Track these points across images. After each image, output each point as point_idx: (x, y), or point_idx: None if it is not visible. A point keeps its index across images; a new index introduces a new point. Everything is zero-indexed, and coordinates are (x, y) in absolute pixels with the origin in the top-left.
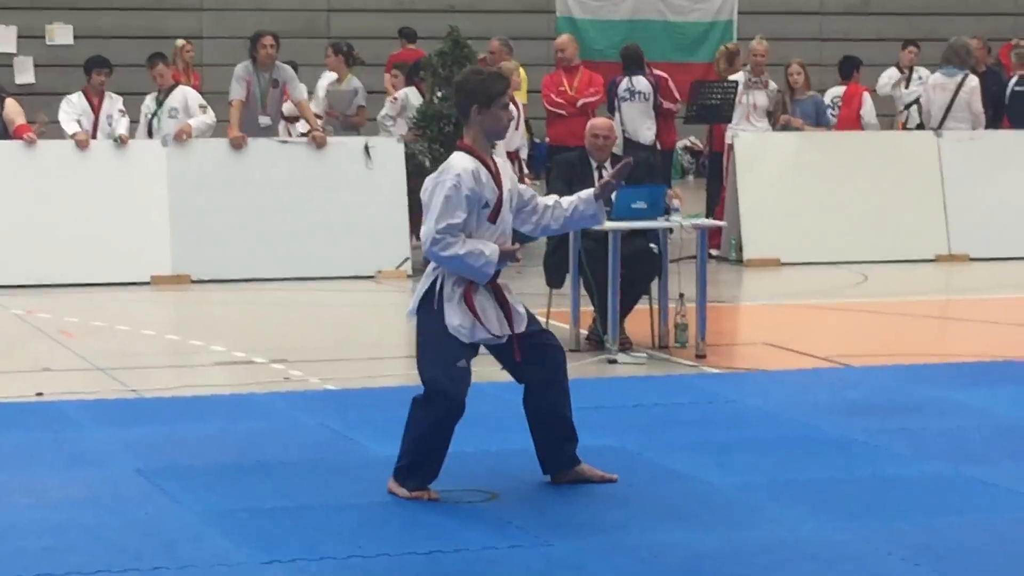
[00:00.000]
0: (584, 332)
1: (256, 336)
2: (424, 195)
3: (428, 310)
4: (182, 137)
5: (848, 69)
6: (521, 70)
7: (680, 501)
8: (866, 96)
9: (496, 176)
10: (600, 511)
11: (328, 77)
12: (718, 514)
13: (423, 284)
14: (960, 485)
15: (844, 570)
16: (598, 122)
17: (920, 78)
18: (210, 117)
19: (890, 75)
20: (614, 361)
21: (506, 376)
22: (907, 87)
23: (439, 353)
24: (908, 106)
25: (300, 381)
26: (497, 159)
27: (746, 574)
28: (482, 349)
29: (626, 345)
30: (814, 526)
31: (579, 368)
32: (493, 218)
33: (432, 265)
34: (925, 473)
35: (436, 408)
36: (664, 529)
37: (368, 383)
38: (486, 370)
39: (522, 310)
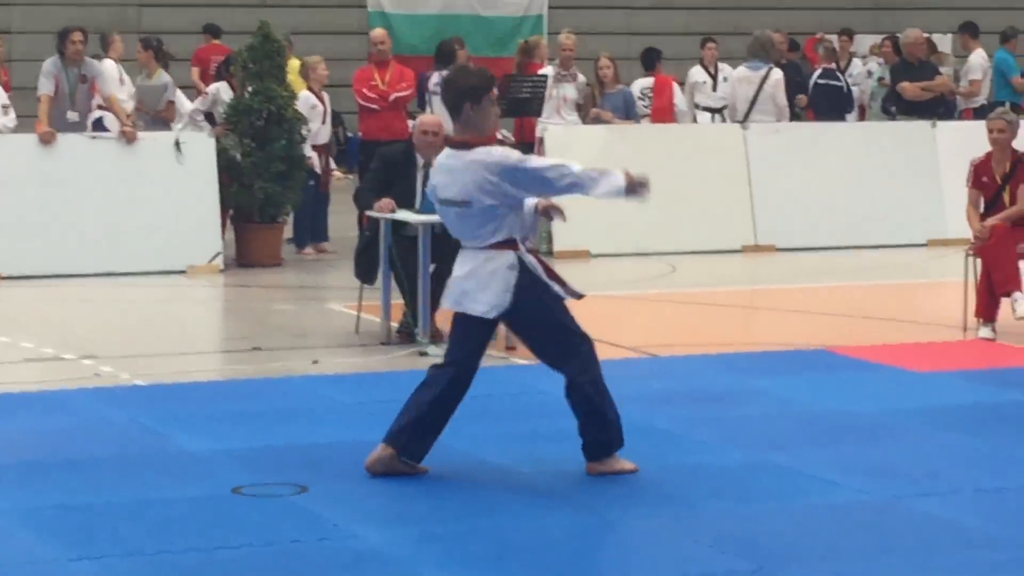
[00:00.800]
0: (395, 325)
1: (66, 332)
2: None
3: (532, 291)
4: None
5: (650, 60)
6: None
7: (486, 490)
8: (675, 86)
9: None
10: (409, 502)
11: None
12: (526, 502)
13: (499, 279)
14: (763, 471)
15: (650, 555)
16: (427, 119)
17: (725, 79)
18: (11, 120)
19: (695, 76)
20: (425, 353)
21: (315, 369)
22: (715, 89)
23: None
24: (718, 111)
25: (110, 377)
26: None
27: (552, 560)
28: None
29: (437, 337)
30: (621, 513)
31: (390, 361)
32: None
33: (505, 257)
34: (730, 460)
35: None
36: (471, 518)
37: (179, 378)
38: (293, 364)
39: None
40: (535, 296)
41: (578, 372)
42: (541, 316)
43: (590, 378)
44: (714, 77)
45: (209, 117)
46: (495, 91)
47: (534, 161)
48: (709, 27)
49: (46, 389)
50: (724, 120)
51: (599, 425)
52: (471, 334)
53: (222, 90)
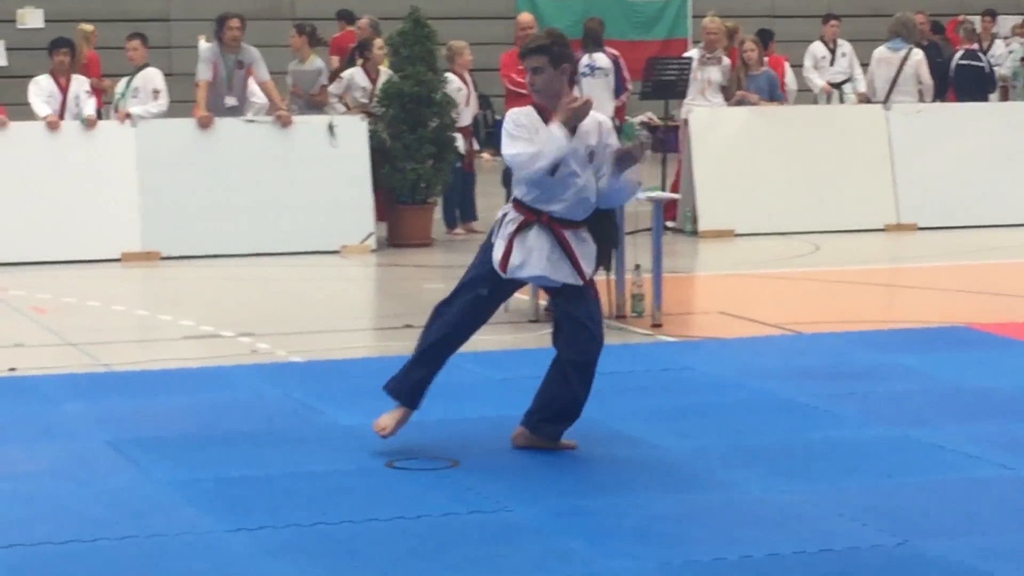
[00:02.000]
0: (543, 303)
1: (223, 310)
2: None
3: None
4: (90, 126)
5: (765, 42)
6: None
7: (635, 465)
8: (786, 65)
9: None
10: (558, 477)
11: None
12: (672, 478)
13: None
14: (906, 447)
15: (793, 530)
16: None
17: (844, 54)
18: (158, 105)
19: (813, 53)
20: None
21: (468, 347)
22: (832, 63)
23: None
24: (838, 85)
25: (266, 353)
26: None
27: (699, 535)
28: None
29: None
30: (765, 488)
31: (538, 338)
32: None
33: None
34: (872, 436)
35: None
36: (619, 493)
37: (332, 355)
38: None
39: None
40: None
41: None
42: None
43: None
44: (832, 52)
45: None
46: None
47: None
48: (850, 9)
49: (205, 365)
50: (842, 94)
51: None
52: None
53: (356, 75)
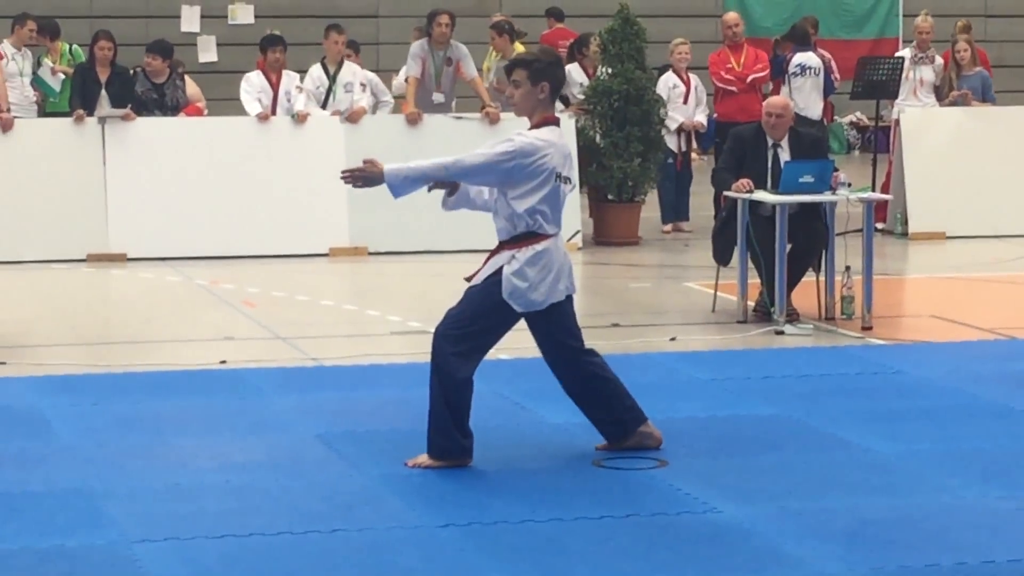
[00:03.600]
0: (751, 304)
1: (431, 306)
2: None
3: None
4: (356, 119)
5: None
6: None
7: (846, 468)
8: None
9: None
10: (767, 479)
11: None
12: (883, 481)
13: None
14: None
15: (1009, 537)
16: (775, 100)
17: None
18: (367, 97)
19: None
20: (781, 332)
21: (672, 347)
22: None
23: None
24: None
25: None
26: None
27: (911, 541)
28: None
29: (793, 316)
30: (978, 494)
31: (747, 339)
32: None
33: None
34: None
35: None
36: (830, 496)
37: (537, 353)
38: (651, 340)
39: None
40: None
41: None
42: None
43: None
44: None
45: (562, 99)
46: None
47: None
48: None
49: (413, 362)
50: None
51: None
52: None
53: (573, 71)
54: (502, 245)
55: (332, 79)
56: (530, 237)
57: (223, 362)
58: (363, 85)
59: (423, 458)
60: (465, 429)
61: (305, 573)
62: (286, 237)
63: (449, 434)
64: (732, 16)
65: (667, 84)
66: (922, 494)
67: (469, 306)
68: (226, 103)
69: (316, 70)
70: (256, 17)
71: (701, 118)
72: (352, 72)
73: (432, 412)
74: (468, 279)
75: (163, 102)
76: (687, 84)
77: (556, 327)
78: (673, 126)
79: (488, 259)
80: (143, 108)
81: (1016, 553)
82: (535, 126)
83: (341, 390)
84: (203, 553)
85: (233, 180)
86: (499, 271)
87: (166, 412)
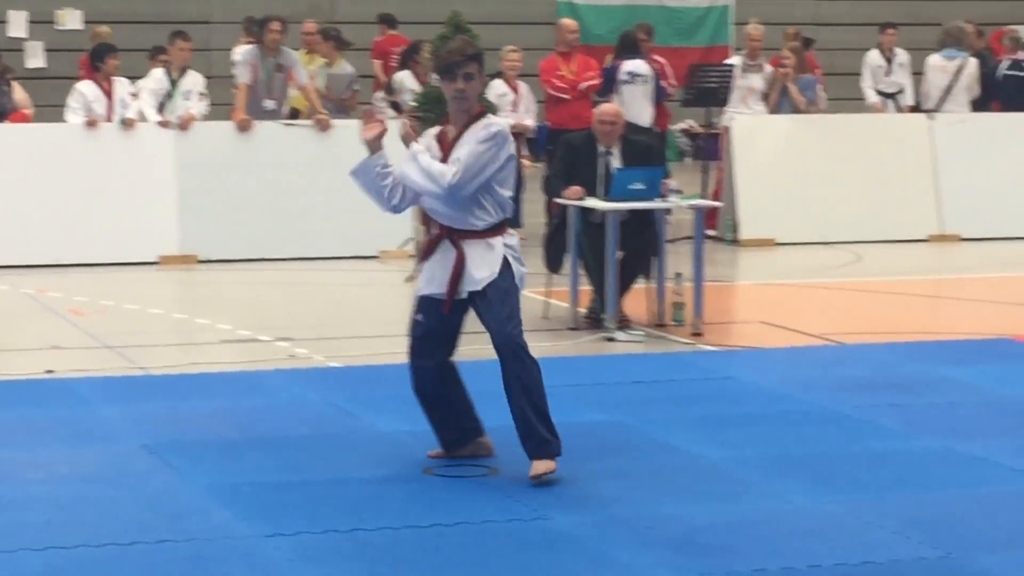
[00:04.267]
0: (583, 311)
1: (261, 315)
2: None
3: None
4: (186, 126)
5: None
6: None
7: (676, 475)
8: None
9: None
10: (597, 486)
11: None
12: (713, 487)
13: None
14: (950, 459)
15: (835, 542)
16: (606, 108)
17: (901, 64)
18: (203, 107)
19: (870, 63)
20: (612, 339)
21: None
22: (888, 73)
23: None
24: (891, 96)
25: (305, 359)
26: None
27: (740, 546)
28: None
29: (624, 323)
30: (807, 499)
31: (577, 346)
32: None
33: None
34: (915, 448)
35: None
36: (660, 502)
37: (371, 360)
38: (483, 348)
39: (477, 275)
40: None
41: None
42: None
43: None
44: (889, 62)
45: (394, 105)
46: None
47: None
48: (893, 16)
49: (242, 370)
50: (897, 105)
51: None
52: None
53: (406, 78)
54: (483, 234)
55: (173, 85)
56: (506, 223)
57: (49, 372)
58: (202, 95)
59: (550, 464)
60: None
61: None
62: (115, 245)
63: (554, 427)
64: (570, 22)
65: (496, 92)
66: (751, 500)
67: (511, 299)
68: (54, 109)
69: (159, 73)
70: (85, 23)
71: (529, 123)
72: (194, 81)
73: (539, 414)
74: (408, 280)
75: None
76: (516, 91)
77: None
78: None
79: (462, 255)
80: None
81: (842, 557)
82: (475, 117)
83: (169, 399)
84: (27, 565)
85: (61, 187)
86: (506, 260)
87: None
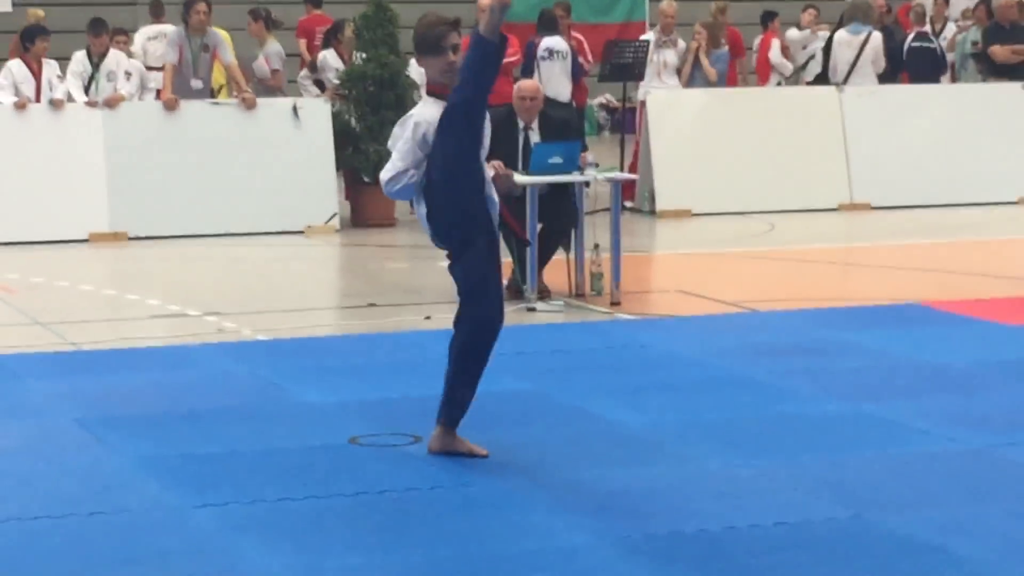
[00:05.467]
0: (504, 282)
1: (190, 290)
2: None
3: None
4: (114, 105)
5: (765, 20)
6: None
7: (594, 441)
8: (774, 41)
9: None
10: (517, 452)
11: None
12: (630, 453)
13: None
14: (860, 422)
15: (750, 503)
16: (526, 84)
17: (819, 37)
18: (134, 84)
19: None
20: (533, 309)
21: (427, 325)
22: (805, 47)
23: None
24: (803, 65)
25: (232, 332)
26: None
27: (657, 509)
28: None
29: (544, 294)
30: (721, 462)
31: (515, 315)
32: None
33: None
34: (827, 411)
35: None
36: (578, 467)
37: (297, 333)
38: (406, 320)
39: None
40: None
41: None
42: None
43: None
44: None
45: (319, 84)
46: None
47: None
48: None
49: (171, 344)
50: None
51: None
52: None
53: (329, 57)
54: None
55: (95, 68)
56: None
57: None
58: (128, 74)
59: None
60: None
61: (63, 556)
62: (45, 223)
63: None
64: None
65: (417, 70)
66: (666, 464)
67: None
68: None
69: (80, 55)
70: (14, 5)
71: None
72: (116, 61)
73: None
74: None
75: None
76: None
77: None
78: None
79: None
80: None
81: (756, 518)
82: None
83: (99, 374)
84: None
85: None
86: None
87: None
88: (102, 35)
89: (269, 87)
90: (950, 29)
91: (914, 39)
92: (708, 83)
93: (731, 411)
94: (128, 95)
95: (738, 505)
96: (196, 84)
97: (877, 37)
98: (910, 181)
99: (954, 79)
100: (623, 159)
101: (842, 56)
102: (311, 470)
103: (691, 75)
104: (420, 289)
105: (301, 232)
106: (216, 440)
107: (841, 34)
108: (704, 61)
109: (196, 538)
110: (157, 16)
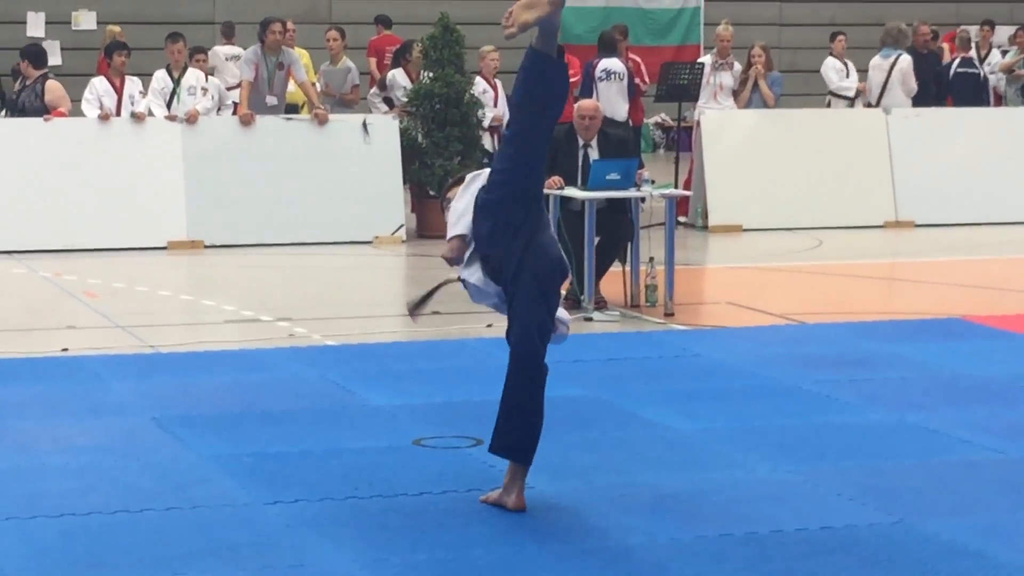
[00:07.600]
0: (563, 293)
1: (263, 296)
2: None
3: None
4: (193, 120)
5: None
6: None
7: (648, 446)
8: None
9: None
10: (575, 456)
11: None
12: (682, 457)
13: None
14: (903, 431)
15: (796, 508)
16: (585, 103)
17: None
18: (208, 101)
19: (834, 67)
20: (590, 319)
21: (489, 333)
22: (848, 76)
23: None
24: (852, 99)
25: (303, 337)
26: None
27: (706, 513)
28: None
29: (601, 304)
30: (769, 468)
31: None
32: None
33: None
34: (871, 420)
35: None
36: (632, 472)
37: (365, 339)
38: (469, 327)
39: None
40: None
41: None
42: None
43: None
44: (846, 65)
45: (387, 101)
46: None
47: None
48: (854, 18)
49: (245, 348)
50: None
51: None
52: None
53: (398, 76)
54: None
55: (176, 83)
56: None
57: (65, 350)
58: (204, 89)
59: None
60: None
61: (141, 549)
62: (126, 231)
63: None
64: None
65: (478, 89)
66: (717, 469)
67: None
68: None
69: (161, 74)
70: (98, 23)
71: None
72: (196, 78)
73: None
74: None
75: (16, 104)
76: (495, 88)
77: None
78: (486, 122)
79: None
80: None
81: (802, 522)
82: None
83: (177, 376)
84: (43, 531)
85: (76, 178)
86: None
87: (8, 398)
88: (178, 42)
89: (347, 102)
90: (995, 56)
91: (959, 65)
92: (766, 106)
93: (779, 419)
94: (206, 110)
95: (785, 509)
96: (271, 100)
97: (905, 60)
98: (953, 200)
99: (998, 102)
100: (677, 176)
101: (875, 79)
102: (377, 470)
103: (749, 99)
104: None
105: (369, 242)
106: (287, 440)
107: (875, 60)
108: (762, 84)
109: (266, 533)
110: (228, 37)
